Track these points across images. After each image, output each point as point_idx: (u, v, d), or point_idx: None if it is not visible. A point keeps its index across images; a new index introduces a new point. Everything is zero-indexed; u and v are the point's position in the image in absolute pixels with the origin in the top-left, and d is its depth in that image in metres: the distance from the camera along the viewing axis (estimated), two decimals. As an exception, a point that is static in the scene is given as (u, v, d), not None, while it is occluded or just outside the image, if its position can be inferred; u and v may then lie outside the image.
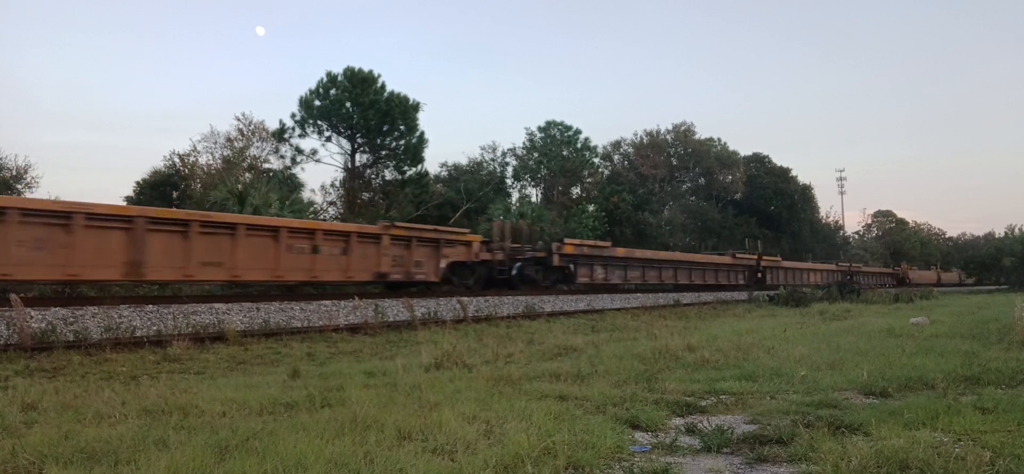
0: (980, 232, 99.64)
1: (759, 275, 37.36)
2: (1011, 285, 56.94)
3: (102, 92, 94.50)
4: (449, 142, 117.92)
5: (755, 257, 38.67)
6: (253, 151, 35.25)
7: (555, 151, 48.02)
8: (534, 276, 23.59)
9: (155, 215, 14.01)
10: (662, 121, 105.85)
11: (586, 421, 4.69)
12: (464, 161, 46.81)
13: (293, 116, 36.08)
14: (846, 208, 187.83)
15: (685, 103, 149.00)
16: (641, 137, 59.56)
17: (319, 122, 35.85)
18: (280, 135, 35.79)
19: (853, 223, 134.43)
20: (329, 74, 35.80)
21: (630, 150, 59.22)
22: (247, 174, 32.46)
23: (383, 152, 37.11)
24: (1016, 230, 67.37)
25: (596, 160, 52.55)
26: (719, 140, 62.64)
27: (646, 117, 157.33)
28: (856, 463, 3.51)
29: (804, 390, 6.05)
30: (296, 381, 7.10)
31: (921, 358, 7.80)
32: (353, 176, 36.37)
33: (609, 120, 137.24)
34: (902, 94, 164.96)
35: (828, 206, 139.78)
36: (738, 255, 38.04)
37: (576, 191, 49.71)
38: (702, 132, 62.11)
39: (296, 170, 35.50)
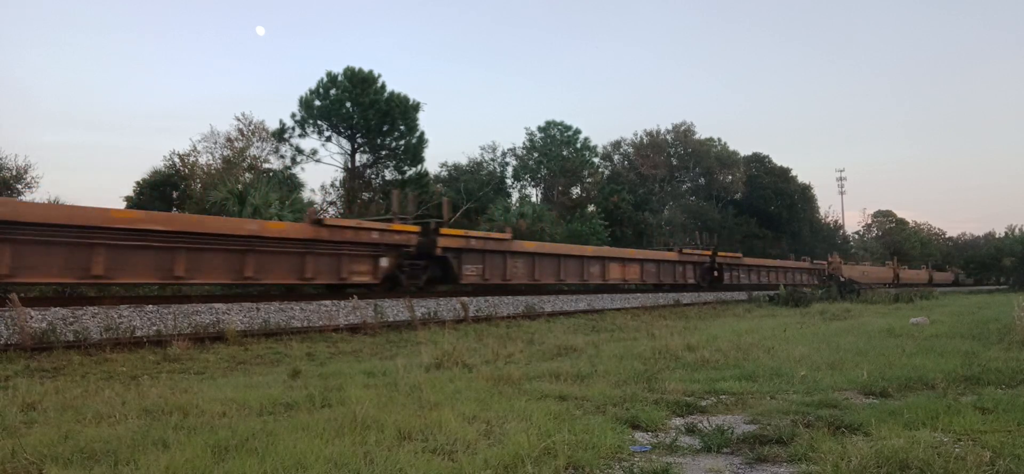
0: (980, 232, 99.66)
1: (449, 267, 19.62)
2: (1011, 285, 56.97)
3: (102, 92, 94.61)
4: (449, 142, 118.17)
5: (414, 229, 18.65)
6: (253, 151, 35.20)
7: (555, 151, 47.98)
8: None
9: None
10: (662, 121, 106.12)
11: (586, 421, 4.69)
12: (464, 161, 46.82)
13: (293, 116, 36.08)
14: (846, 208, 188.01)
15: (685, 103, 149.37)
16: (641, 137, 59.62)
17: (319, 122, 35.83)
18: (280, 135, 35.77)
19: (853, 223, 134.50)
20: (329, 74, 35.80)
21: (630, 150, 59.23)
22: (247, 174, 32.43)
23: (383, 152, 37.10)
24: (1016, 230, 67.49)
25: (596, 160, 52.50)
26: (719, 140, 62.72)
27: (646, 117, 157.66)
28: (856, 463, 3.51)
29: (804, 390, 6.05)
30: (296, 381, 7.10)
31: (921, 358, 7.80)
32: (353, 176, 36.35)
33: (609, 120, 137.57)
34: (902, 94, 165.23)
35: (828, 206, 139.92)
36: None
37: (576, 191, 49.67)
38: (702, 132, 62.22)
39: (296, 170, 35.47)
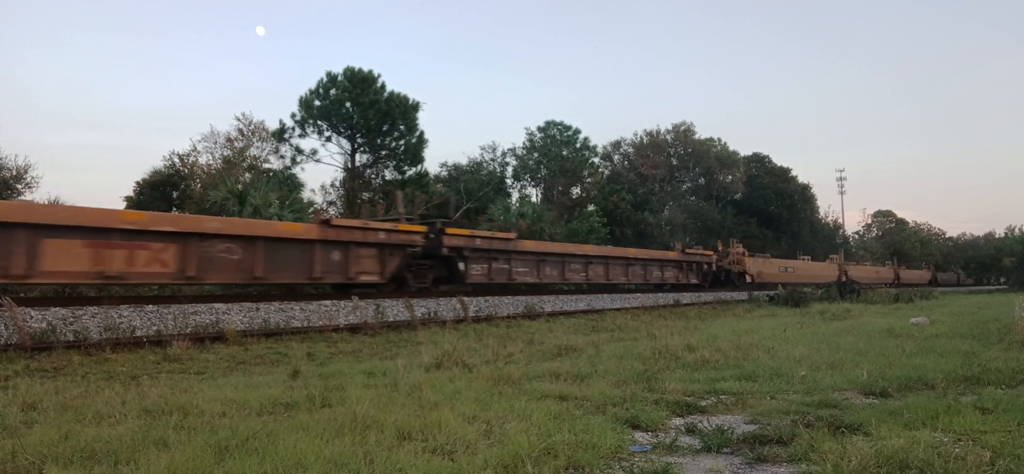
0: (980, 232, 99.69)
1: None
2: (1011, 285, 57.05)
3: (102, 92, 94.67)
4: (449, 142, 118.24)
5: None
6: (253, 151, 35.22)
7: (555, 151, 48.00)
8: None
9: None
10: (662, 121, 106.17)
11: (586, 421, 4.69)
12: (464, 161, 46.88)
13: (293, 116, 36.12)
14: (846, 208, 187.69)
15: (685, 103, 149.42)
16: (641, 137, 59.67)
17: (319, 122, 35.86)
18: (280, 135, 35.79)
19: (853, 223, 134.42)
20: (329, 74, 35.83)
21: (630, 150, 59.27)
22: (247, 174, 32.43)
23: (383, 152, 37.11)
24: (1016, 230, 67.51)
25: (596, 160, 52.55)
26: (719, 140, 62.76)
27: (646, 117, 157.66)
28: (856, 463, 3.51)
29: (804, 390, 6.05)
30: (296, 381, 7.10)
31: (921, 358, 7.80)
32: (353, 176, 36.36)
33: (609, 120, 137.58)
34: (902, 94, 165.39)
35: (827, 206, 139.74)
36: None
37: (576, 191, 49.70)
38: (702, 132, 62.29)
39: (296, 170, 35.52)
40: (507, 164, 48.69)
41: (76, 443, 4.05)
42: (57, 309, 11.38)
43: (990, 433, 4.25)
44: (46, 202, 21.15)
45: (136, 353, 10.06)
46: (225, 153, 33.72)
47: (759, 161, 63.93)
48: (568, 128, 49.04)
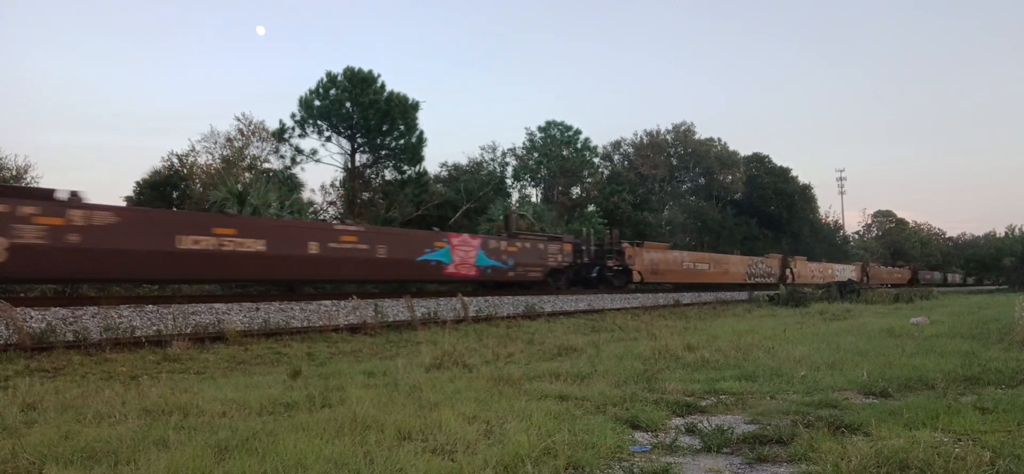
0: (980, 232, 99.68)
1: None
2: (1011, 285, 57.08)
3: (102, 92, 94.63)
4: (449, 142, 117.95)
5: None
6: (253, 151, 35.18)
7: (555, 151, 47.95)
8: None
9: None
10: (662, 121, 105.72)
11: (586, 421, 4.69)
12: (464, 161, 46.77)
13: (293, 116, 36.03)
14: (846, 208, 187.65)
15: (685, 103, 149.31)
16: (641, 137, 59.60)
17: (319, 122, 35.80)
18: (280, 135, 35.74)
19: (853, 223, 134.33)
20: (329, 74, 35.76)
21: (630, 150, 59.23)
22: (247, 174, 32.40)
23: (383, 152, 37.06)
24: (1016, 230, 67.42)
25: (596, 160, 52.46)
26: (719, 140, 62.61)
27: (646, 117, 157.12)
28: (856, 463, 3.51)
29: (804, 390, 6.05)
30: (296, 381, 7.09)
31: (921, 358, 7.80)
32: (353, 176, 36.33)
33: (609, 120, 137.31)
34: (902, 94, 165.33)
35: (828, 206, 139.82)
36: None
37: (576, 191, 49.64)
38: (702, 132, 62.13)
39: (296, 170, 35.41)
40: (507, 164, 48.62)
41: (76, 443, 4.05)
42: (57, 309, 11.38)
43: (990, 433, 4.25)
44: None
45: (136, 353, 10.06)
46: (224, 153, 33.71)
47: (759, 161, 63.87)
48: (568, 128, 49.02)
